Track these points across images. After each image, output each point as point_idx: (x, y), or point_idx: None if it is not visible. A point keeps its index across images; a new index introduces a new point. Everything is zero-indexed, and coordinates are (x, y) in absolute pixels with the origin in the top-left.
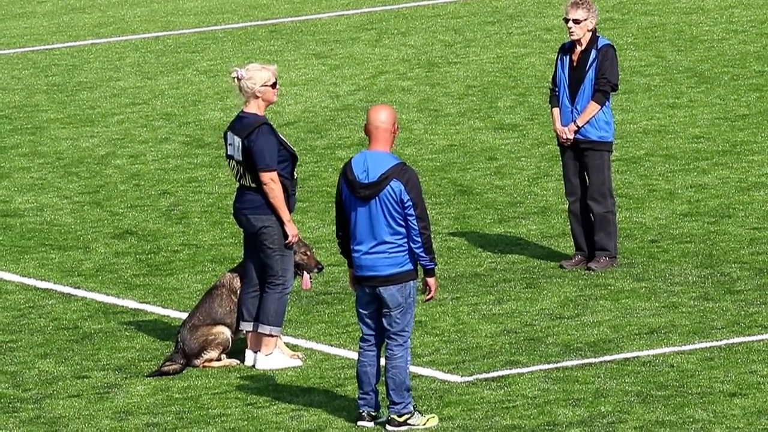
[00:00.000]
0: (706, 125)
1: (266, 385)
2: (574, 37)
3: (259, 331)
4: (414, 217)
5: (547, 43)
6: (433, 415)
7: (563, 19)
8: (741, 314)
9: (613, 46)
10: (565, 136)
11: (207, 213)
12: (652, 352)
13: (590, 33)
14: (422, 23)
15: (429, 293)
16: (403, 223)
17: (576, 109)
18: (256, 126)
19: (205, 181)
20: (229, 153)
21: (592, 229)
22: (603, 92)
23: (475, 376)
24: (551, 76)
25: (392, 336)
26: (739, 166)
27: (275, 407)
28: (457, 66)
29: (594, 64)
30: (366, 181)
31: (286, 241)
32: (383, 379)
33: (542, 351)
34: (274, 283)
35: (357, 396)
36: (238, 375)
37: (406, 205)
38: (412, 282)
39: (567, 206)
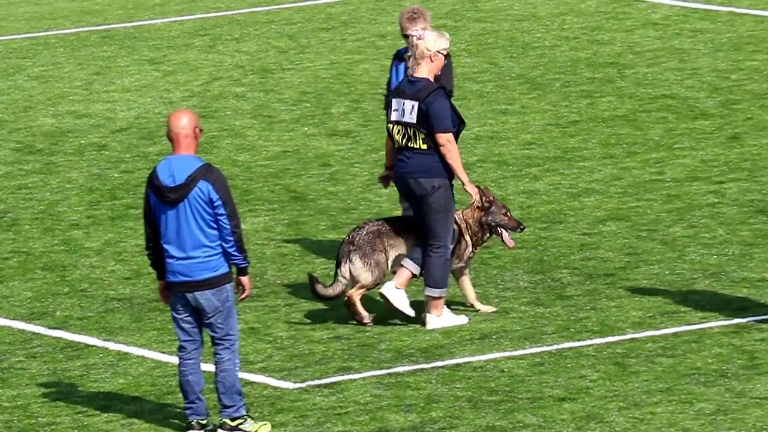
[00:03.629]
0: (537, 131)
1: (97, 393)
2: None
3: (427, 293)
4: (225, 216)
5: (380, 50)
6: (265, 422)
7: (403, 34)
8: (571, 319)
9: (447, 53)
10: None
11: (38, 220)
12: (483, 357)
13: None
14: (256, 29)
15: (243, 292)
16: (214, 225)
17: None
18: (432, 90)
19: (36, 188)
20: (394, 119)
21: None
22: None
23: (307, 383)
24: (386, 83)
25: (218, 341)
26: (570, 172)
27: (106, 415)
28: (291, 72)
29: None
30: (173, 185)
31: (472, 203)
32: (211, 385)
33: (375, 357)
34: (437, 245)
35: (184, 406)
36: (68, 383)
37: (215, 204)
38: (228, 285)
39: (401, 212)
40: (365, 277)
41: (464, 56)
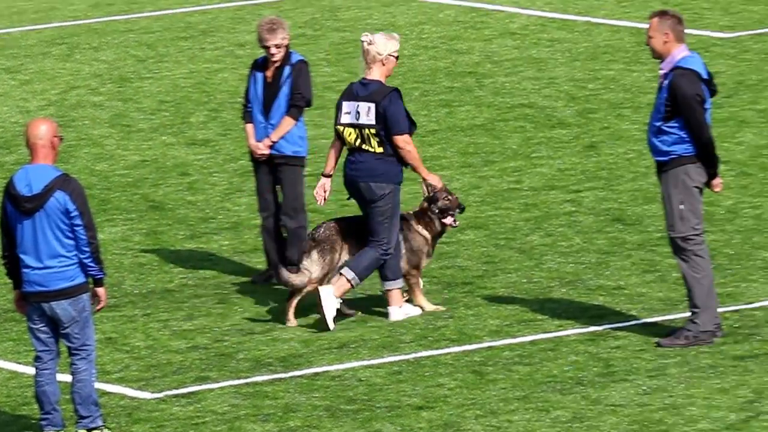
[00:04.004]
0: None
1: None
2: (276, 60)
3: (342, 272)
4: (81, 227)
5: (240, 59)
6: None
7: (262, 46)
8: (429, 328)
9: (306, 62)
10: (260, 152)
11: None
12: (341, 366)
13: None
14: (114, 38)
15: (99, 303)
16: (71, 235)
17: (271, 124)
18: (387, 92)
19: None
20: (346, 121)
21: (284, 244)
22: (298, 107)
23: (165, 393)
24: (244, 92)
25: (74, 351)
26: None
27: None
28: (149, 81)
29: (289, 80)
30: (29, 194)
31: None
32: (68, 396)
33: (232, 366)
34: (377, 241)
35: (39, 417)
36: None
37: (72, 215)
38: (85, 295)
39: (260, 222)
40: (314, 269)
41: (324, 66)
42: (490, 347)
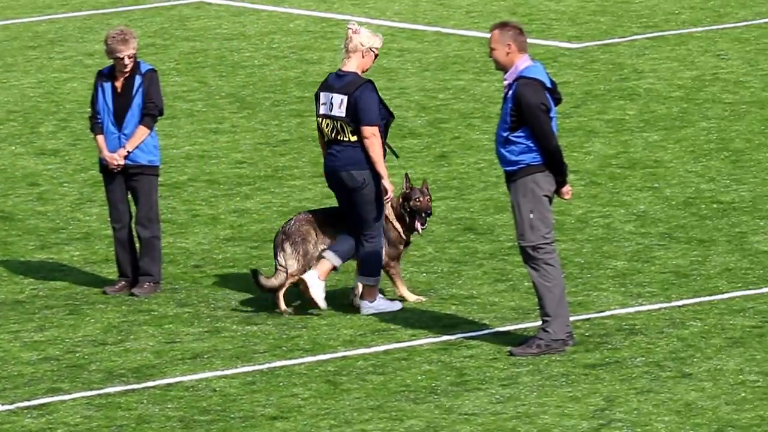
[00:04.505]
0: (248, 150)
1: None
2: (126, 71)
3: (362, 282)
4: None
5: (89, 68)
6: None
7: (113, 57)
8: (283, 338)
9: (156, 71)
10: (115, 162)
11: None
12: (195, 376)
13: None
14: None
15: None
16: None
17: (124, 134)
18: (360, 83)
19: None
20: (322, 113)
21: (137, 254)
22: (152, 116)
23: (16, 405)
24: (90, 103)
25: None
26: (281, 191)
27: None
28: None
29: (141, 90)
30: None
31: (384, 198)
32: None
33: (85, 378)
34: (370, 235)
35: None
36: None
37: None
38: None
39: (112, 232)
40: (291, 264)
41: (174, 75)
42: (344, 357)
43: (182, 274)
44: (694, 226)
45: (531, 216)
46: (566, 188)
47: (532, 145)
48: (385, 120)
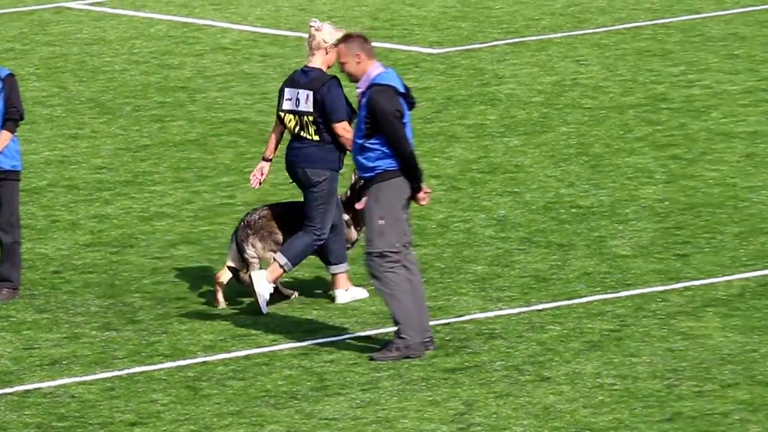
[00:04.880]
0: (108, 156)
1: None
2: None
3: (275, 257)
4: None
5: None
6: None
7: None
8: (142, 343)
9: (14, 75)
10: None
11: None
12: (53, 383)
13: None
14: None
15: None
16: None
17: None
18: (326, 80)
19: None
20: (287, 108)
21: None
22: (14, 121)
23: None
24: None
25: None
26: (141, 196)
27: None
28: None
29: (1, 95)
30: None
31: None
32: None
33: None
34: (311, 226)
35: None
36: None
37: None
38: None
39: None
40: (269, 257)
41: (33, 80)
42: (204, 362)
43: (41, 279)
44: (554, 230)
45: (380, 222)
46: (422, 194)
47: (387, 151)
48: (349, 116)
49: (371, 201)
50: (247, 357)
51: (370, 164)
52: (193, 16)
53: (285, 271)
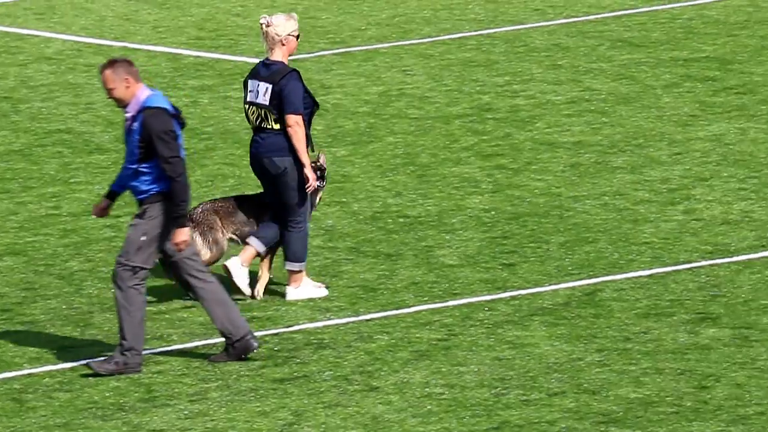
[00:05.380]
0: None
1: None
2: None
3: (288, 268)
4: None
5: None
6: None
7: None
8: None
9: None
10: None
11: None
12: None
13: None
14: None
15: None
16: None
17: None
18: (286, 72)
19: None
20: (249, 99)
21: None
22: None
23: None
24: None
25: None
26: None
27: None
28: None
29: None
30: None
31: (306, 186)
32: None
33: None
34: (296, 221)
35: None
36: None
37: None
38: None
39: None
40: (204, 253)
41: None
42: (29, 374)
43: None
44: (382, 240)
45: (143, 238)
46: (179, 239)
47: (161, 173)
48: (310, 109)
49: (141, 217)
50: (73, 369)
51: (145, 187)
52: (16, 26)
53: (259, 254)
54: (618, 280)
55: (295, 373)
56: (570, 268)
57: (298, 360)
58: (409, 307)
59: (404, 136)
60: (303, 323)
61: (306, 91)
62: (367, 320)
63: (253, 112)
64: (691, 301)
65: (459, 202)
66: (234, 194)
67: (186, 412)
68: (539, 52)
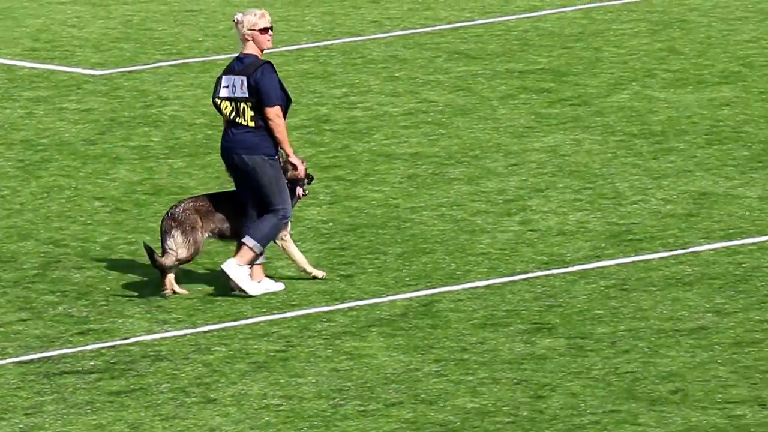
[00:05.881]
0: None
1: None
2: None
3: (245, 242)
4: None
5: None
6: None
7: None
8: None
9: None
10: None
11: None
12: None
13: None
14: None
15: None
16: None
17: None
18: (260, 65)
19: None
20: (221, 95)
21: None
22: None
23: None
24: None
25: None
26: None
27: None
28: None
29: None
30: None
31: (296, 172)
32: None
33: None
34: (276, 208)
35: None
36: None
37: None
38: None
39: None
40: (181, 252)
41: None
42: None
43: None
44: (220, 252)
45: None
46: None
47: None
48: (283, 103)
49: None
50: None
51: None
52: None
53: (256, 253)
54: (455, 290)
55: (132, 386)
56: (407, 279)
57: (135, 372)
58: (247, 318)
59: None
60: (140, 335)
61: (281, 84)
62: (205, 332)
63: (227, 107)
64: (527, 312)
65: (297, 214)
66: (208, 192)
67: (21, 426)
68: (376, 64)
